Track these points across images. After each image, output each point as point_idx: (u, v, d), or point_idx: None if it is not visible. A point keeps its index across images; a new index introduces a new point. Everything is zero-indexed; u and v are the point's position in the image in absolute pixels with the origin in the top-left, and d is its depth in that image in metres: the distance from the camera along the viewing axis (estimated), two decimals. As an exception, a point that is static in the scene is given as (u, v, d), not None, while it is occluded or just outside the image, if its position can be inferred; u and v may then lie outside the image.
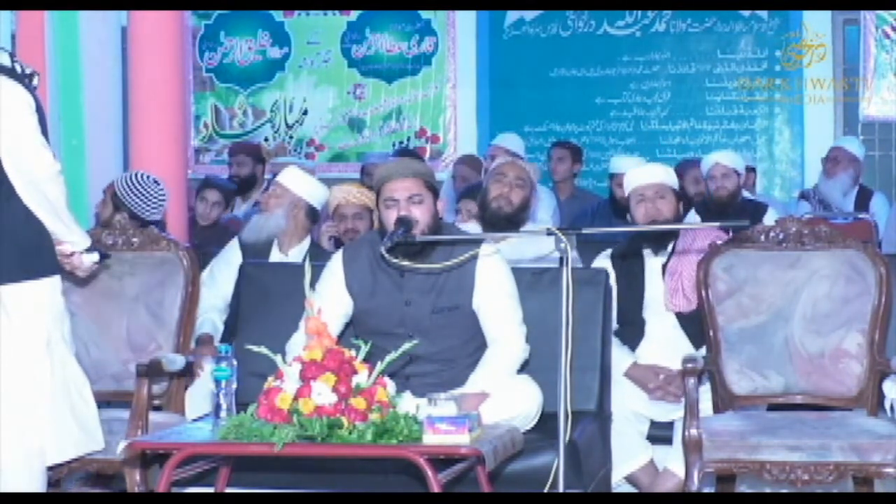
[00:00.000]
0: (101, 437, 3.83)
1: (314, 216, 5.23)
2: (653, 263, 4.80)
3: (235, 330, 4.70)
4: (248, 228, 5.17)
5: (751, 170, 8.16)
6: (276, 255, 5.10)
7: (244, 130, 9.59)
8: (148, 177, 5.01)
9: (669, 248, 4.79)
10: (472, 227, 5.16)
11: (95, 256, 3.77)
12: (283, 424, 3.28)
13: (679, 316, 4.70)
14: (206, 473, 3.79)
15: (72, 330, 3.85)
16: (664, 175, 4.86)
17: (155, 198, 4.99)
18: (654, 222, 4.70)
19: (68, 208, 3.65)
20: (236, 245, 5.15)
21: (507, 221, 5.05)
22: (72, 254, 3.69)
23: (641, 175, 4.88)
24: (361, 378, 3.34)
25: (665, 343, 4.68)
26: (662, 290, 4.74)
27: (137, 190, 4.98)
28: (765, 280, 4.31)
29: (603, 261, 4.85)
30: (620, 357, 4.64)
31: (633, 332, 4.75)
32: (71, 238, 3.68)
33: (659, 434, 4.67)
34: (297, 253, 5.10)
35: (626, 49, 9.07)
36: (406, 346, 3.52)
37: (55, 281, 3.67)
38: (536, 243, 5.03)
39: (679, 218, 4.88)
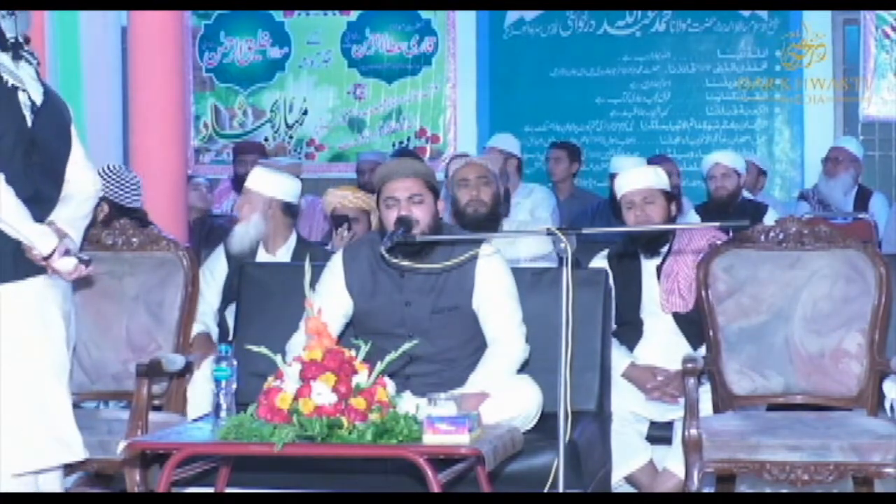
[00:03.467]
0: (80, 447, 3.68)
1: (292, 211, 5.20)
2: (648, 265, 4.79)
3: (235, 330, 4.70)
4: (233, 239, 5.11)
5: (762, 172, 8.17)
6: (262, 256, 5.09)
7: (244, 130, 9.59)
8: (119, 166, 5.07)
9: (664, 249, 4.78)
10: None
11: (71, 261, 3.61)
12: (283, 424, 3.28)
13: (676, 316, 4.70)
14: (206, 473, 3.79)
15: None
16: (653, 179, 4.82)
17: (132, 184, 5.06)
18: None
19: (19, 213, 3.53)
20: (222, 254, 5.13)
21: (487, 221, 5.05)
22: (47, 258, 3.62)
23: (629, 180, 4.84)
24: (361, 378, 3.34)
25: (662, 344, 4.68)
26: (658, 291, 4.74)
27: (113, 179, 5.01)
28: (765, 280, 4.31)
29: (600, 261, 4.85)
30: (618, 358, 4.64)
31: (630, 332, 4.75)
32: (29, 243, 3.57)
33: (658, 434, 4.67)
34: (284, 252, 5.09)
35: (626, 49, 9.07)
36: (406, 346, 3.52)
37: (17, 287, 3.57)
38: (535, 243, 5.04)
39: (672, 219, 4.85)
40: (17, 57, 3.65)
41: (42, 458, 3.61)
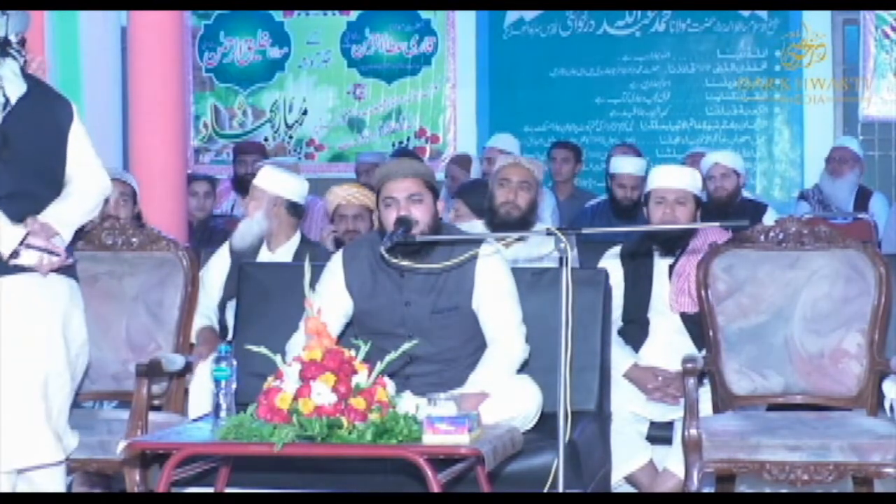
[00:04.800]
0: (49, 449, 3.59)
1: (297, 211, 5.21)
2: (661, 264, 4.79)
3: (234, 330, 4.70)
4: (237, 235, 5.14)
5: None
6: (264, 255, 5.09)
7: (244, 130, 9.59)
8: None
9: (679, 249, 4.78)
10: (468, 226, 5.15)
11: (33, 256, 3.54)
12: (283, 424, 3.28)
13: (684, 317, 4.70)
14: (206, 473, 3.79)
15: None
16: (689, 181, 4.81)
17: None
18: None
19: None
20: (226, 251, 5.14)
21: (517, 226, 5.05)
22: (9, 258, 3.57)
23: (667, 177, 4.83)
24: (361, 378, 3.34)
25: (668, 344, 4.67)
26: (668, 290, 4.74)
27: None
28: (765, 280, 4.31)
29: (611, 259, 4.83)
30: (621, 357, 4.64)
31: (636, 331, 4.74)
32: None
33: (658, 434, 4.67)
34: (285, 251, 5.10)
35: (626, 49, 9.08)
36: (406, 346, 3.52)
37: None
38: (537, 245, 5.03)
39: (696, 222, 4.81)
40: (3, 55, 3.63)
41: (28, 457, 3.55)
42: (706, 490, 4.13)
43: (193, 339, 4.70)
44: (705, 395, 4.32)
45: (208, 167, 9.37)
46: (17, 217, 3.58)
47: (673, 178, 4.81)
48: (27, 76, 3.71)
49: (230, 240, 5.17)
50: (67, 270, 3.69)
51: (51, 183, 3.71)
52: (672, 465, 4.47)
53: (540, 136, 9.06)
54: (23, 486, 3.62)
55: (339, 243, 5.60)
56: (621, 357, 4.64)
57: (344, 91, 9.49)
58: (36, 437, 3.57)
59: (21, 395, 3.55)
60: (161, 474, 3.37)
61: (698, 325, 4.54)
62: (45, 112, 3.71)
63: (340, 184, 5.98)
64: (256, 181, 5.22)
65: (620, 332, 4.70)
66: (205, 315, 4.91)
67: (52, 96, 3.79)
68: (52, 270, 3.61)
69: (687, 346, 4.59)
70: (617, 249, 4.87)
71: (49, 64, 5.94)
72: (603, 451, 4.35)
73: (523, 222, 5.09)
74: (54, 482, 3.67)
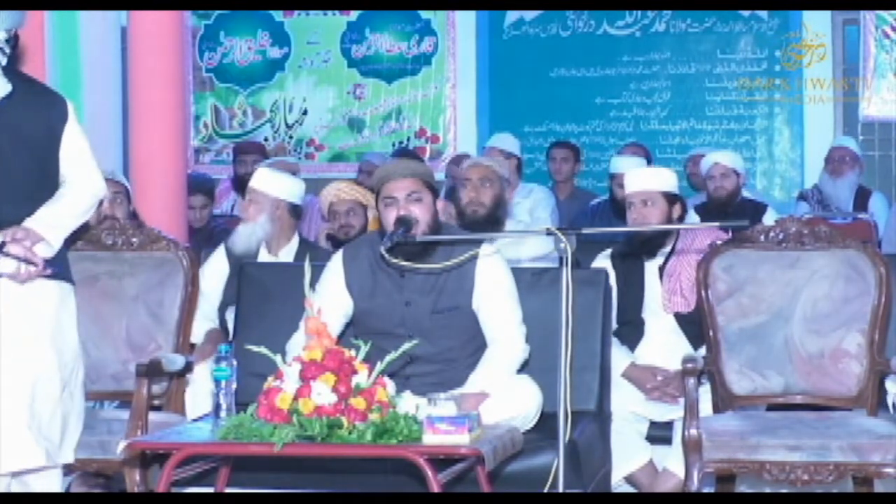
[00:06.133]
0: (30, 455, 3.53)
1: (297, 213, 5.20)
2: (651, 265, 4.79)
3: (235, 330, 4.70)
4: (236, 239, 5.08)
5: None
6: (264, 257, 5.08)
7: (244, 130, 9.59)
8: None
9: (668, 249, 4.78)
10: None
11: (11, 264, 3.48)
12: (283, 424, 3.28)
13: (678, 317, 4.71)
14: (206, 473, 3.79)
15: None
16: (653, 181, 4.81)
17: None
18: None
19: None
20: (222, 253, 5.12)
21: (485, 223, 5.05)
22: None
23: (631, 181, 4.85)
24: (361, 378, 3.34)
25: (663, 344, 4.68)
26: (660, 291, 4.74)
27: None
28: (765, 280, 4.31)
29: (603, 261, 4.85)
30: (619, 357, 4.64)
31: (632, 332, 4.75)
32: None
33: (658, 434, 4.68)
34: (286, 253, 5.09)
35: (626, 49, 9.07)
36: (406, 346, 3.52)
37: None
38: (537, 244, 5.04)
39: (676, 220, 4.82)
40: None
41: (22, 460, 3.51)
42: (706, 490, 4.13)
43: (200, 340, 4.71)
44: (705, 395, 4.32)
45: (208, 167, 9.37)
46: (9, 219, 3.53)
47: (636, 182, 4.82)
48: (16, 74, 3.64)
49: (227, 244, 5.14)
50: (59, 274, 3.61)
51: (43, 184, 3.63)
52: (672, 465, 4.47)
53: (540, 136, 9.05)
54: (17, 488, 3.62)
55: (333, 239, 5.61)
56: (618, 357, 4.64)
57: (344, 91, 9.49)
58: (18, 442, 3.51)
59: (5, 399, 3.51)
60: (161, 474, 3.37)
61: (693, 325, 4.56)
62: (34, 112, 3.62)
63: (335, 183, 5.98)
64: (255, 184, 5.18)
65: (616, 333, 4.70)
66: (208, 318, 4.91)
67: (43, 95, 3.70)
68: (41, 276, 3.55)
69: (683, 346, 4.60)
70: (608, 252, 4.88)
71: (49, 64, 5.94)
72: (603, 451, 4.36)
73: (491, 218, 5.10)
74: (49, 484, 3.64)
